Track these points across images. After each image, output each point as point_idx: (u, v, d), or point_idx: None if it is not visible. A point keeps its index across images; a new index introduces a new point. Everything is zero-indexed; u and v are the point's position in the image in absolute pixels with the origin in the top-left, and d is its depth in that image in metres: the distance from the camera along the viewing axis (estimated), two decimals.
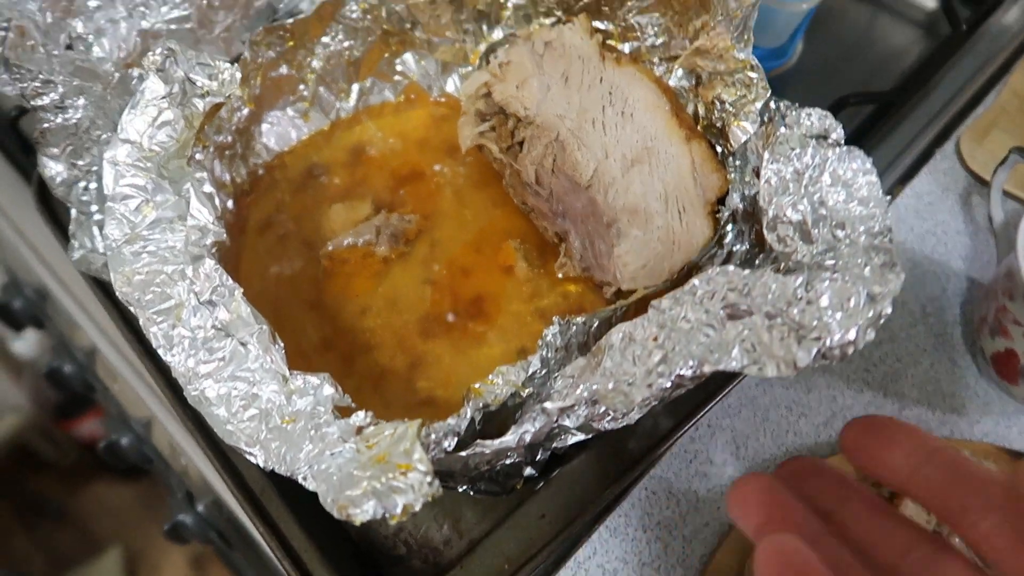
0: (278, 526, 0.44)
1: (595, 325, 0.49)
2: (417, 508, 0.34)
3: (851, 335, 0.36)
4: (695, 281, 0.40)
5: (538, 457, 0.46)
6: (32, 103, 0.46)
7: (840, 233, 0.41)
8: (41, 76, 0.45)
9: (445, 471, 0.43)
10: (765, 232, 0.44)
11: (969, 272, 0.66)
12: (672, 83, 0.58)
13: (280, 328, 0.55)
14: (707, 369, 0.37)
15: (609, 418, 0.44)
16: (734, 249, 0.54)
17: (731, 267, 0.40)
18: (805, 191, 0.43)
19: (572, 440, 0.45)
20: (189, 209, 0.46)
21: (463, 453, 0.40)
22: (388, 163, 0.66)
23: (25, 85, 0.45)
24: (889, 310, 0.38)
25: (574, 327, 0.47)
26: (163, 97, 0.46)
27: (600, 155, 0.55)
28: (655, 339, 0.40)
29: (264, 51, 0.61)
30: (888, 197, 0.42)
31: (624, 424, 0.44)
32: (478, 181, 0.64)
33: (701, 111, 0.56)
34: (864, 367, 0.61)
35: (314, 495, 0.36)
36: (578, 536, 0.52)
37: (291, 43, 0.62)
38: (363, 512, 0.34)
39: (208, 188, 0.46)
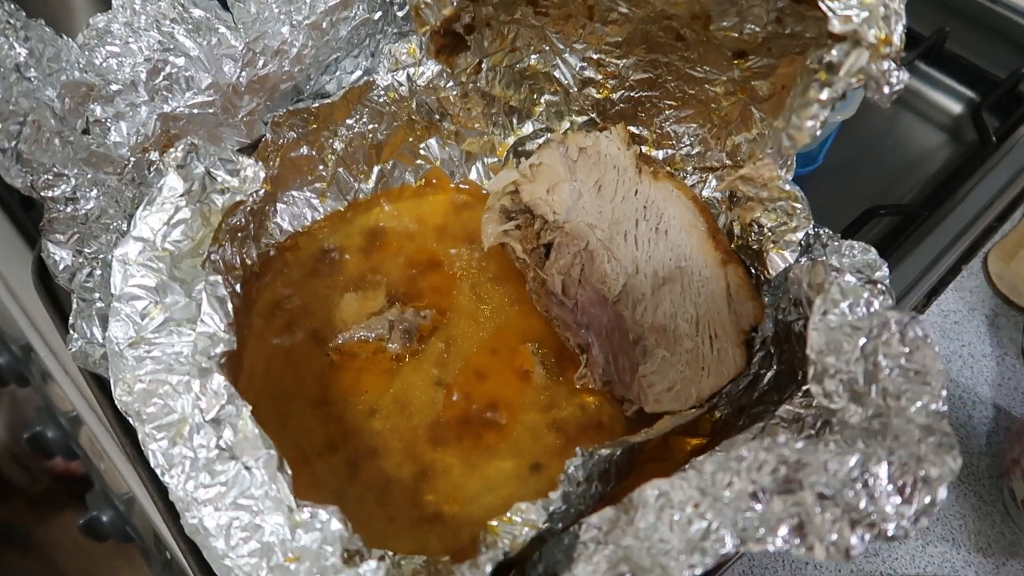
0: None
1: (618, 454, 0.47)
2: None
3: (906, 523, 0.34)
4: (743, 450, 0.37)
5: None
6: (42, 194, 0.44)
7: (893, 403, 0.39)
8: (55, 169, 0.43)
9: None
10: (811, 382, 0.42)
11: (996, 399, 0.64)
12: (705, 193, 0.57)
13: (283, 425, 0.53)
14: (753, 548, 0.34)
15: None
16: (762, 372, 0.52)
17: (783, 437, 0.37)
18: (861, 351, 0.40)
19: None
20: (200, 314, 0.43)
21: None
22: (404, 249, 0.64)
23: (36, 177, 0.42)
24: (945, 495, 0.36)
25: (596, 457, 0.45)
26: (181, 195, 0.44)
27: (631, 269, 0.53)
28: (696, 505, 0.37)
29: (286, 132, 0.59)
30: (945, 370, 0.40)
31: None
32: (497, 275, 0.62)
33: (736, 230, 0.54)
34: None
35: None
36: None
37: (314, 125, 0.60)
38: None
39: (221, 292, 0.44)
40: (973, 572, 0.56)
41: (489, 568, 0.38)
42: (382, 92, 0.60)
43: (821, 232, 0.50)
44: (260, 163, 0.46)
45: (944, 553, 0.57)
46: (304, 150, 0.61)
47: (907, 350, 0.39)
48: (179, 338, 0.43)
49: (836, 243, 0.49)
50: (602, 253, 0.53)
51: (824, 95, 0.41)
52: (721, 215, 0.56)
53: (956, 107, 0.85)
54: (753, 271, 0.53)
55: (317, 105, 0.58)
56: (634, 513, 0.38)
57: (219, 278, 0.44)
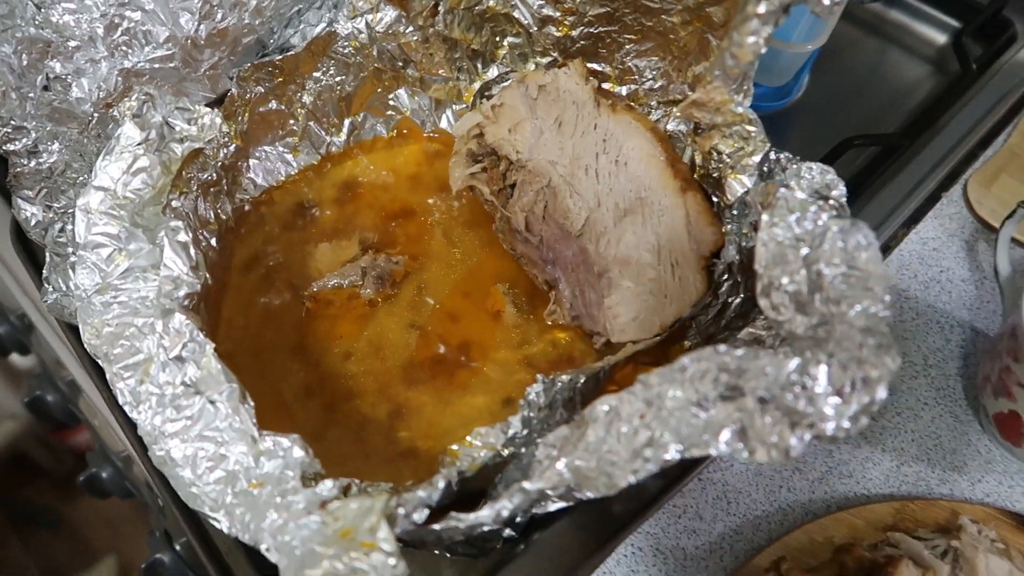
0: None
1: (581, 381, 0.48)
2: None
3: (845, 423, 0.35)
4: (685, 360, 0.38)
5: (518, 520, 0.45)
6: (3, 148, 0.45)
7: (835, 309, 0.39)
8: (13, 122, 0.44)
9: (417, 541, 0.41)
10: (758, 297, 0.42)
11: (973, 322, 0.64)
12: (670, 127, 0.57)
13: (261, 373, 0.55)
14: (695, 453, 0.35)
15: (592, 491, 0.42)
16: (729, 301, 0.53)
17: (723, 346, 0.38)
18: (803, 261, 0.41)
19: (554, 507, 0.43)
20: (163, 259, 0.44)
21: (436, 527, 0.38)
22: (378, 199, 0.64)
23: None
24: (884, 395, 0.36)
25: (559, 384, 0.46)
26: (139, 143, 0.45)
27: (592, 203, 0.53)
28: (642, 416, 0.38)
29: (252, 87, 0.59)
30: (889, 273, 0.40)
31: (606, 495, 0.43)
32: (469, 220, 0.63)
33: (698, 160, 0.54)
34: None
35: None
36: None
37: (280, 79, 0.60)
38: None
39: (183, 237, 0.45)
40: (948, 489, 0.57)
41: (441, 484, 0.39)
42: (345, 42, 0.61)
43: (781, 157, 0.50)
44: (217, 110, 0.47)
45: (919, 472, 0.57)
46: (273, 105, 0.62)
47: (849, 256, 0.40)
48: (144, 283, 0.45)
49: (795, 166, 0.49)
50: (564, 189, 0.54)
51: (761, 8, 0.41)
52: (687, 148, 0.56)
53: (940, 38, 0.84)
54: (715, 199, 0.53)
55: (281, 58, 0.59)
56: (585, 428, 0.39)
57: (180, 223, 0.45)
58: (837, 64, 0.82)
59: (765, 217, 0.43)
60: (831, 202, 0.44)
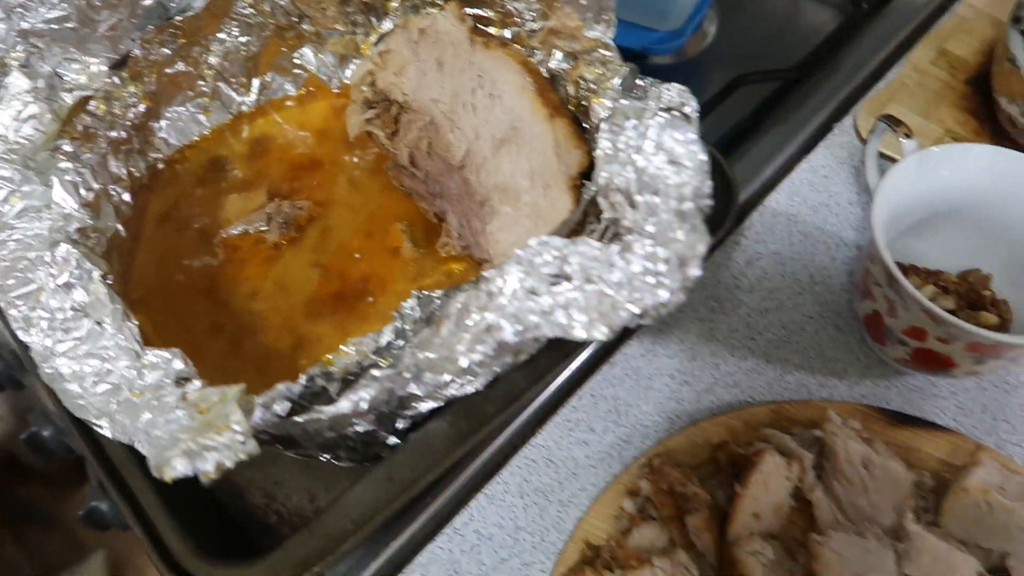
0: (135, 495, 0.45)
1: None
2: (229, 465, 0.36)
3: (662, 298, 0.38)
4: (520, 252, 0.41)
5: (398, 425, 0.48)
6: None
7: (658, 200, 0.42)
8: None
9: (285, 436, 0.44)
10: (599, 197, 0.46)
11: (859, 241, 0.68)
12: (553, 65, 0.60)
13: (172, 314, 0.58)
14: (532, 335, 0.39)
15: (455, 385, 0.45)
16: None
17: (553, 237, 0.41)
18: (629, 159, 0.44)
19: (425, 407, 0.47)
20: (52, 197, 0.48)
21: (299, 419, 0.42)
22: (288, 154, 0.68)
23: None
24: (698, 272, 0.40)
25: (435, 300, 0.49)
26: (28, 91, 0.48)
27: (471, 136, 0.57)
28: (484, 308, 0.41)
29: (157, 48, 0.62)
30: (707, 161, 0.43)
31: (470, 390, 0.46)
32: (372, 168, 0.66)
33: (571, 91, 0.57)
34: (749, 335, 0.63)
35: None
36: (447, 498, 0.53)
37: (184, 40, 0.63)
38: (173, 470, 0.36)
39: (72, 177, 0.48)
40: (827, 393, 0.60)
41: (303, 378, 0.42)
42: (244, 2, 0.64)
43: (644, 81, 0.53)
44: (105, 58, 0.50)
45: (800, 380, 0.61)
46: (180, 66, 0.65)
47: (669, 151, 0.43)
48: (39, 222, 0.48)
49: (656, 88, 0.52)
50: (445, 124, 0.57)
51: None
52: (567, 84, 0.59)
53: None
54: (584, 125, 0.56)
55: (182, 19, 0.62)
56: (440, 325, 0.43)
57: (71, 164, 0.49)
58: (745, 11, 0.86)
59: (605, 126, 0.46)
60: (674, 112, 0.48)
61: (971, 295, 0.60)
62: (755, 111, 0.76)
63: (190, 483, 0.37)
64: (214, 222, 0.64)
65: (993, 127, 0.72)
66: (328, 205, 0.64)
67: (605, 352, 0.62)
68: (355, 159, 0.67)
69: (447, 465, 0.45)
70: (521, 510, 0.55)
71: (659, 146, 0.44)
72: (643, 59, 0.80)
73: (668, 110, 0.49)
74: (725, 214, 0.53)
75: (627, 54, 0.53)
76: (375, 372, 0.42)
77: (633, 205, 0.44)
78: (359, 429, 0.46)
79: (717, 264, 0.67)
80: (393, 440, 0.49)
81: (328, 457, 0.49)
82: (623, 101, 0.48)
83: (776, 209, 0.70)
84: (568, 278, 0.40)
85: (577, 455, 0.58)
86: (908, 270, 0.61)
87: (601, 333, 0.39)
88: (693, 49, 0.84)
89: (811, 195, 0.70)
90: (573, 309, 0.39)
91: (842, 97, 0.76)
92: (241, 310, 0.59)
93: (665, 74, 0.51)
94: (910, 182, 0.56)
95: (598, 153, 0.46)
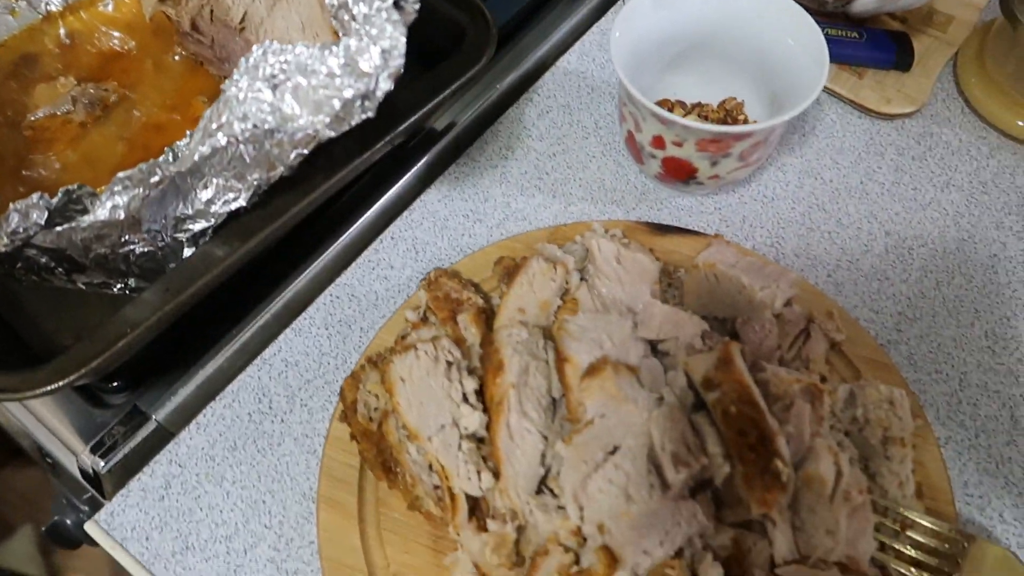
0: None
1: None
2: None
3: (372, 86, 0.43)
4: (243, 60, 0.46)
5: (177, 248, 0.52)
6: None
7: (370, 10, 0.47)
8: None
9: (61, 253, 0.49)
10: (332, 20, 0.50)
11: None
12: None
13: None
14: (248, 124, 0.43)
15: (219, 202, 0.50)
16: None
17: (272, 43, 0.46)
18: None
19: (198, 226, 0.51)
20: None
21: (60, 228, 0.46)
22: (96, 47, 0.71)
23: None
24: (399, 62, 0.45)
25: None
26: None
27: (248, 0, 0.61)
28: (221, 113, 0.46)
29: None
30: None
31: (235, 207, 0.51)
32: (176, 51, 0.70)
33: None
34: (537, 176, 0.69)
35: None
36: (255, 333, 0.58)
37: None
38: None
39: None
40: (607, 216, 0.66)
41: (60, 192, 0.46)
42: None
43: None
44: None
45: (583, 209, 0.67)
46: None
47: None
48: None
49: None
50: None
51: None
52: None
53: None
54: None
55: None
56: (192, 140, 0.47)
57: None
58: None
59: None
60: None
61: (727, 121, 0.66)
62: None
63: None
64: (23, 110, 0.67)
65: None
66: (134, 87, 0.68)
67: (405, 200, 0.67)
68: (159, 44, 0.70)
69: (217, 272, 0.49)
70: (326, 339, 0.61)
71: None
72: None
73: None
74: (484, 43, 0.59)
75: None
76: (120, 174, 0.46)
77: (353, 18, 0.48)
78: (137, 250, 0.51)
79: (511, 119, 0.72)
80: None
81: (121, 286, 0.53)
82: None
83: (568, 69, 0.75)
84: (288, 77, 0.45)
85: (378, 289, 0.63)
86: (674, 104, 0.68)
87: (322, 123, 0.45)
88: None
89: (599, 55, 0.76)
90: (294, 102, 0.44)
91: None
92: (51, 185, 0.62)
93: None
94: (647, 15, 0.62)
95: None
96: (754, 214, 0.66)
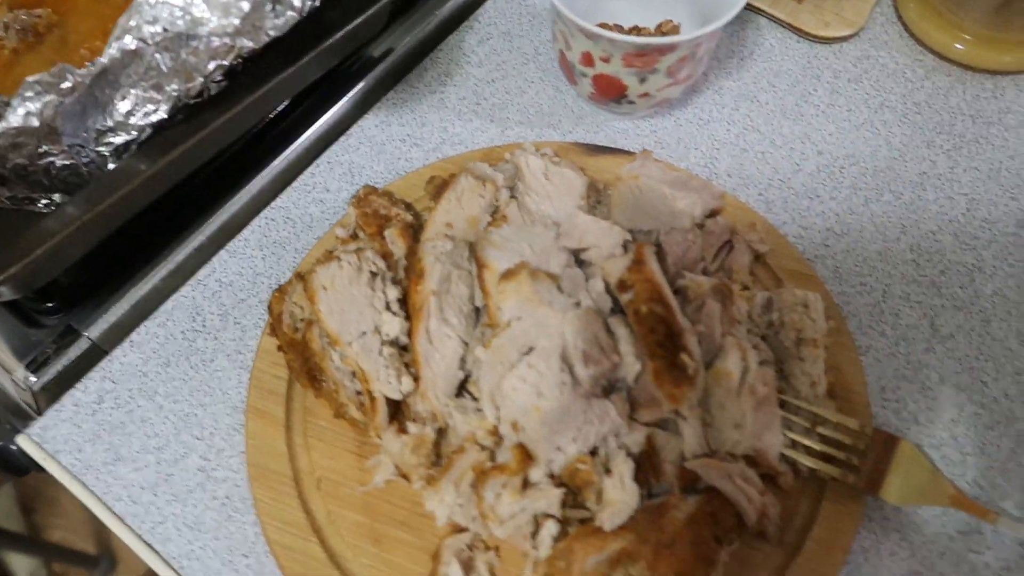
0: None
1: None
2: None
3: None
4: None
5: (110, 168, 0.53)
6: None
7: None
8: None
9: None
10: None
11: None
12: None
13: None
14: (171, 32, 0.44)
15: (138, 113, 0.50)
16: None
17: None
18: None
19: (119, 140, 0.51)
20: None
21: None
22: None
23: None
24: None
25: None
26: None
27: None
28: (131, 18, 0.46)
29: None
30: None
31: (156, 119, 0.51)
32: None
33: None
34: (475, 101, 0.69)
35: None
36: (189, 254, 0.59)
37: None
38: None
39: None
40: (545, 139, 0.66)
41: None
42: None
43: None
44: None
45: (520, 133, 0.67)
46: None
47: None
48: None
49: None
50: None
51: None
52: None
53: None
54: None
55: None
56: (108, 49, 0.47)
57: None
58: None
59: None
60: None
61: None
62: None
63: None
64: None
65: None
66: (68, 13, 0.67)
67: (343, 126, 0.67)
68: None
69: (139, 184, 0.50)
70: (260, 260, 0.61)
71: None
72: None
73: None
74: None
75: None
76: (29, 79, 0.46)
77: None
78: (58, 162, 0.51)
79: (450, 46, 0.72)
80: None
81: (46, 202, 0.53)
82: None
83: None
84: None
85: (313, 212, 0.63)
86: (612, 28, 0.68)
87: (232, 27, 0.45)
88: None
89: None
90: (204, 5, 0.44)
91: None
92: None
93: None
94: None
95: None
96: (689, 136, 0.67)
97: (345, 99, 0.67)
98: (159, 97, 0.49)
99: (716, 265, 0.56)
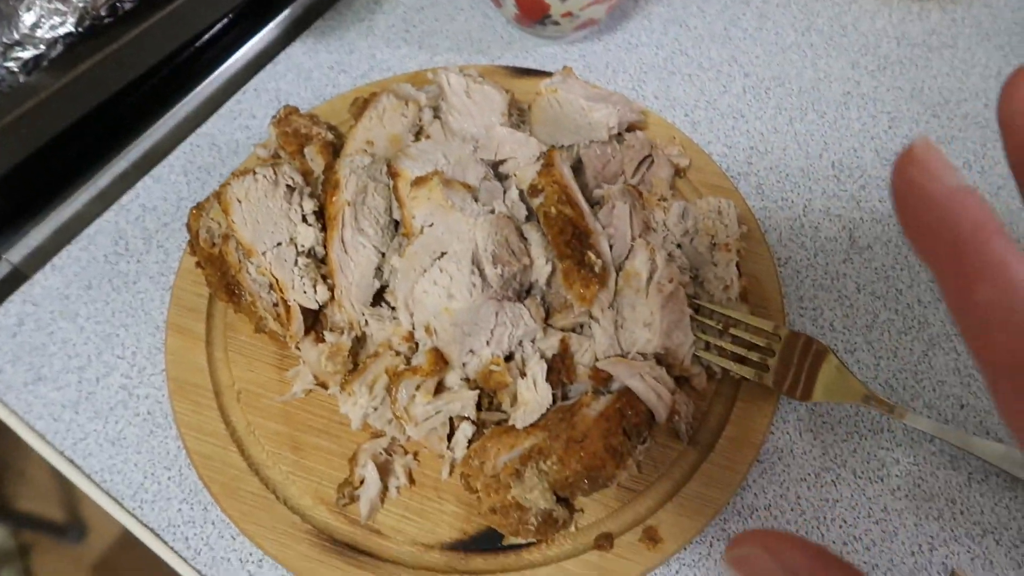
0: None
1: None
2: None
3: None
4: None
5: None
6: None
7: None
8: None
9: None
10: None
11: None
12: None
13: None
14: None
15: (44, 26, 0.49)
16: None
17: None
18: None
19: (29, 54, 0.51)
20: None
21: None
22: None
23: None
24: None
25: None
26: None
27: None
28: None
29: None
30: None
31: (63, 31, 0.50)
32: None
33: None
34: (404, 28, 0.68)
35: None
36: (112, 180, 0.58)
37: None
38: None
39: None
40: (474, 64, 0.66)
41: None
42: None
43: None
44: None
45: (448, 59, 0.67)
46: None
47: None
48: None
49: None
50: None
51: None
52: None
53: None
54: None
55: None
56: None
57: None
58: None
59: None
60: None
61: None
62: None
63: None
64: None
65: None
66: None
67: (270, 53, 0.67)
68: None
69: (45, 98, 0.49)
70: (184, 185, 0.61)
71: None
72: None
73: None
74: None
75: None
76: None
77: None
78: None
79: None
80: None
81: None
82: None
83: None
84: None
85: (239, 137, 0.63)
86: None
87: None
88: None
89: None
90: None
91: None
92: None
93: None
94: None
95: None
96: (617, 60, 0.67)
97: (272, 25, 0.67)
98: (65, 9, 0.49)
99: (637, 179, 0.56)
